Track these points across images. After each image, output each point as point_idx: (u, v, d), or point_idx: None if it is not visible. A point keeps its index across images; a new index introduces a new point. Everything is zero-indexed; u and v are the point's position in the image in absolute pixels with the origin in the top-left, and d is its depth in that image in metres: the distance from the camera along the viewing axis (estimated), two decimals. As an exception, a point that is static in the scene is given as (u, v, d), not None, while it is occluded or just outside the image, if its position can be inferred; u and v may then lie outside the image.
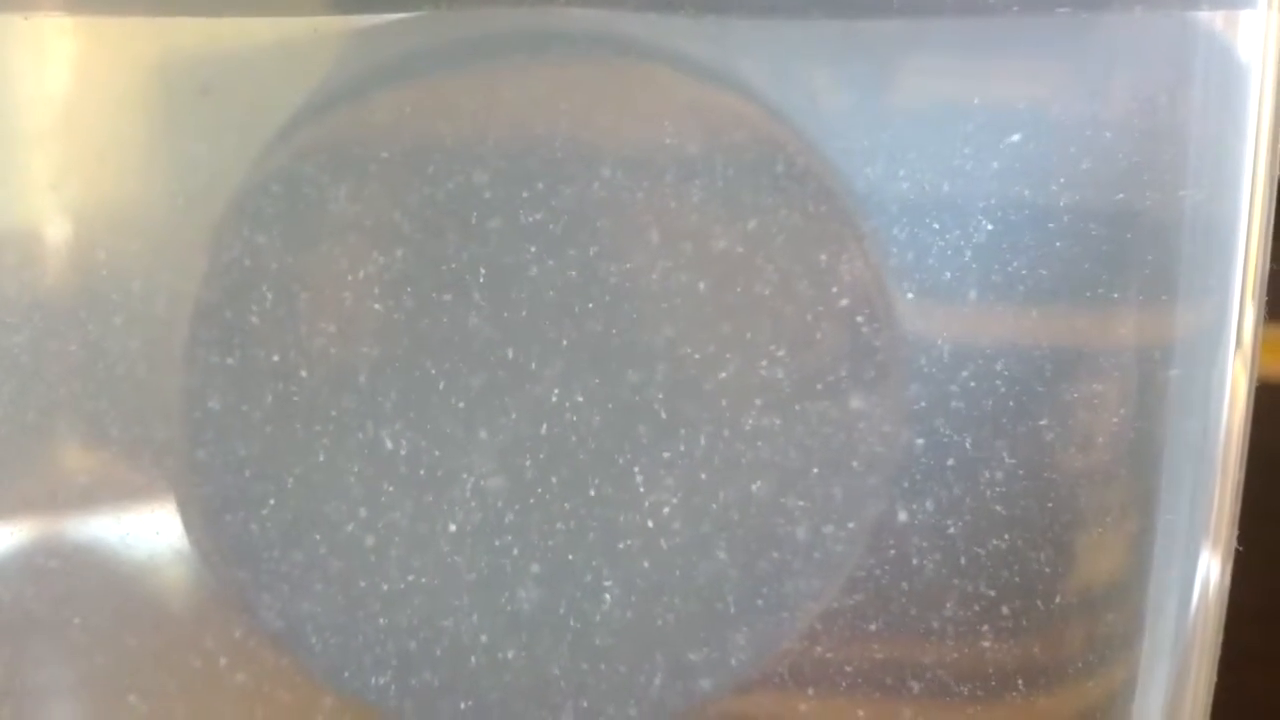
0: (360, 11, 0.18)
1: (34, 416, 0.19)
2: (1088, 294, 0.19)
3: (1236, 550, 0.22)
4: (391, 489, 0.18)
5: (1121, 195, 0.19)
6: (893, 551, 0.19)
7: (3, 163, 0.19)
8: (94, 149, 0.19)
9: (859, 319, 0.19)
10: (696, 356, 0.18)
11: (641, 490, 0.19)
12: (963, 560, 0.19)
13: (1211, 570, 0.22)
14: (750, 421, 0.18)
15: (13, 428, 0.19)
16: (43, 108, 0.19)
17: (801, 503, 0.19)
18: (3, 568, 0.20)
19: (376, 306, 0.18)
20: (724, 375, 0.18)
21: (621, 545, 0.19)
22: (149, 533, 0.19)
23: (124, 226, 0.19)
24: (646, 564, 0.19)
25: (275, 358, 0.18)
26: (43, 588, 0.19)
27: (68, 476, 0.19)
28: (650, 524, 0.19)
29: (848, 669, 0.19)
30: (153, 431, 0.19)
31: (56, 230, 0.19)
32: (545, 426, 0.18)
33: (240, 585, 0.19)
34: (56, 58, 0.19)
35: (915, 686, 0.20)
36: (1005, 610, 0.20)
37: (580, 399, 0.18)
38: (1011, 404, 0.19)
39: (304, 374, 0.18)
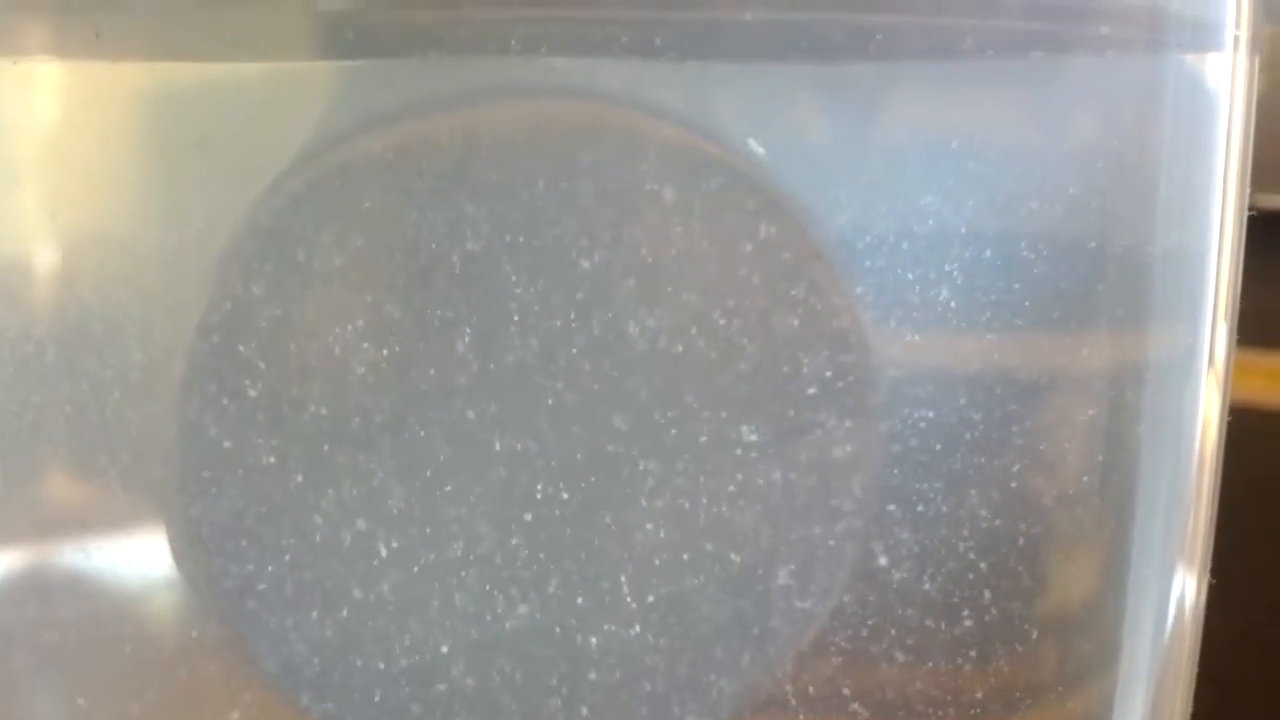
0: (347, 58, 0.18)
1: (25, 460, 0.19)
2: (1062, 324, 0.20)
3: (1212, 579, 0.22)
4: (383, 550, 0.19)
5: (1095, 226, 0.19)
6: (870, 582, 0.19)
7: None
8: (84, 194, 0.19)
9: (835, 370, 0.19)
10: (679, 409, 0.18)
11: (628, 545, 0.19)
12: (939, 588, 0.19)
13: (1187, 589, 0.22)
14: (733, 473, 0.19)
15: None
16: (32, 154, 0.19)
17: (784, 552, 0.19)
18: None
19: (365, 357, 0.18)
20: (705, 433, 0.18)
21: (608, 602, 0.19)
22: (143, 565, 0.19)
23: (116, 274, 0.19)
24: (636, 627, 0.19)
25: (268, 411, 0.18)
26: (35, 618, 0.20)
27: (60, 511, 0.19)
28: (637, 580, 0.19)
29: (827, 697, 0.20)
30: (149, 471, 0.19)
31: (47, 278, 0.19)
32: (532, 481, 0.18)
33: (239, 635, 0.19)
34: (46, 103, 0.19)
35: (896, 714, 0.20)
36: (983, 635, 0.20)
37: (566, 453, 0.18)
38: (988, 433, 0.19)
39: (296, 426, 0.18)
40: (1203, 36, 0.20)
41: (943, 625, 0.19)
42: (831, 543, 0.19)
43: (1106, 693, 0.21)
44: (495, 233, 0.18)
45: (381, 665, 0.19)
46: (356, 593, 0.18)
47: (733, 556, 0.19)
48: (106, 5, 0.18)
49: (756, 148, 0.18)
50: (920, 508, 0.19)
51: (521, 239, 0.18)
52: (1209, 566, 0.22)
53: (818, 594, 0.19)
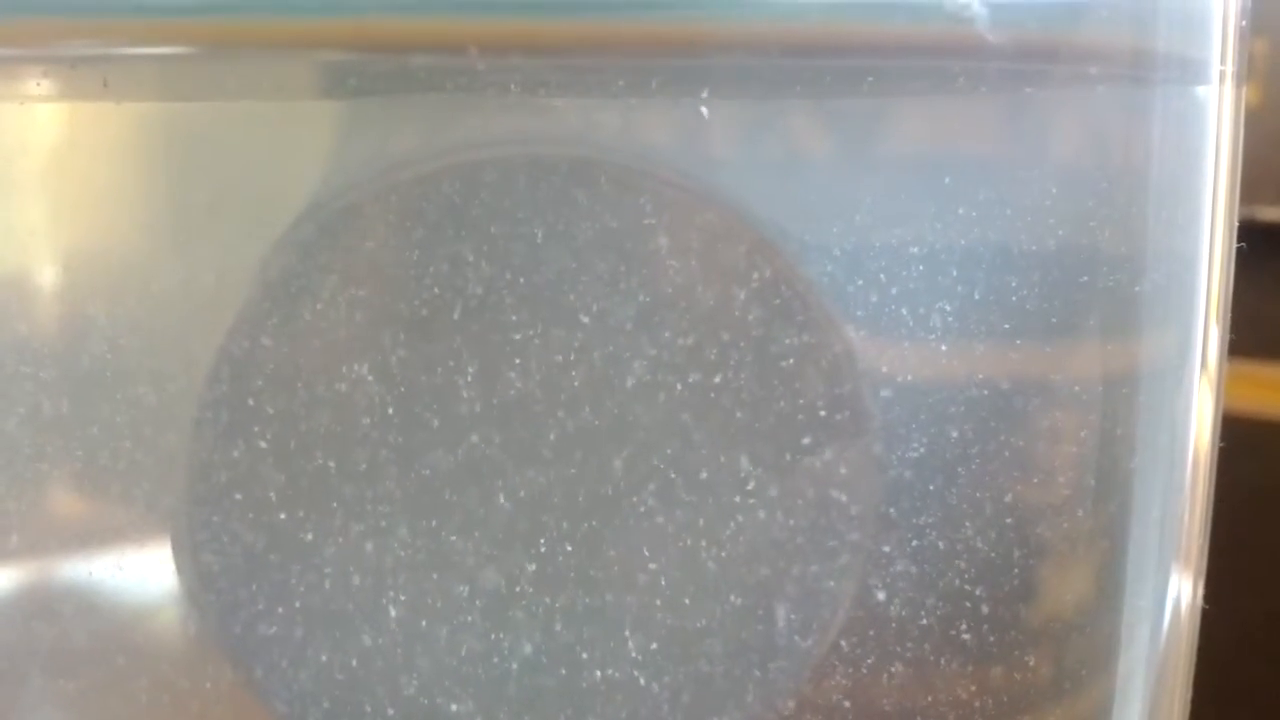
0: (347, 97, 0.19)
1: (39, 500, 0.19)
2: (1056, 354, 0.20)
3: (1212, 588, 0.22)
4: (391, 591, 0.19)
5: (1086, 261, 0.20)
6: (869, 612, 0.19)
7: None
8: (95, 243, 0.19)
9: (831, 406, 0.19)
10: (677, 449, 0.19)
11: (631, 585, 0.19)
12: (938, 615, 0.20)
13: (1183, 595, 0.22)
14: (733, 511, 0.19)
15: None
16: (42, 203, 0.19)
17: (785, 590, 0.19)
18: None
19: (371, 401, 0.18)
20: (704, 472, 0.19)
21: (610, 634, 0.19)
22: (156, 605, 0.20)
23: (129, 322, 0.19)
24: (640, 666, 0.19)
25: (278, 456, 0.19)
26: (37, 634, 0.20)
27: (71, 548, 0.20)
28: (640, 619, 0.19)
29: (820, 702, 0.20)
30: (162, 514, 0.19)
31: (59, 326, 0.19)
32: (536, 520, 0.19)
33: (249, 676, 0.19)
34: (55, 148, 0.19)
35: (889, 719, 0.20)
36: (982, 654, 0.20)
37: (569, 492, 0.19)
38: (985, 464, 0.19)
39: (305, 471, 0.18)
40: (1190, 72, 0.20)
41: (942, 651, 0.20)
42: (832, 578, 0.19)
43: (1104, 699, 0.21)
44: (496, 274, 0.18)
45: (390, 710, 0.19)
46: (365, 634, 0.19)
47: (733, 596, 0.19)
48: (116, 59, 0.18)
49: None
50: (918, 540, 0.19)
51: (521, 280, 0.18)
52: (1204, 571, 0.22)
53: (820, 629, 0.19)
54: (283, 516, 0.19)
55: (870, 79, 0.18)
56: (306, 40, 0.18)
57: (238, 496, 0.19)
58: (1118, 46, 0.19)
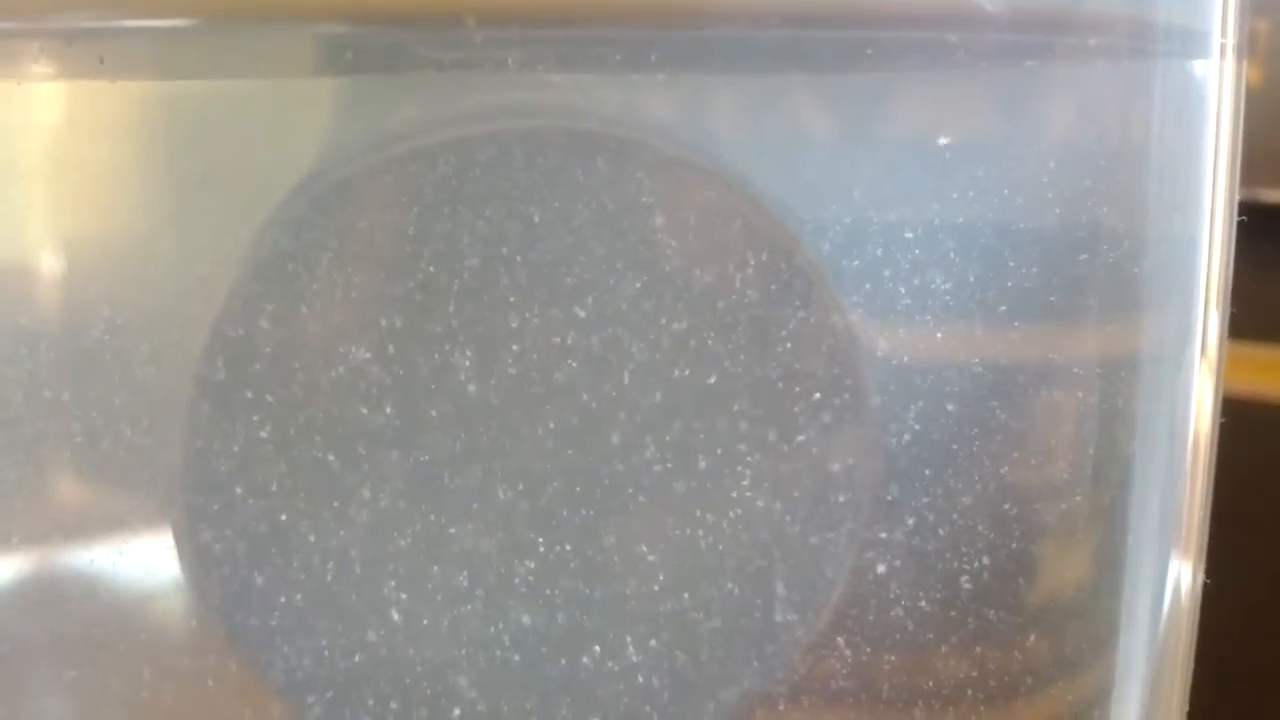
0: (345, 74, 0.19)
1: (41, 483, 0.19)
2: (1056, 332, 0.20)
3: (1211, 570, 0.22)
4: (392, 579, 0.19)
5: (1086, 234, 0.20)
6: (868, 590, 0.19)
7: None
8: (91, 225, 0.19)
9: (830, 388, 0.19)
10: (678, 428, 0.19)
11: (630, 568, 0.19)
12: (938, 592, 0.20)
13: (1183, 577, 0.22)
14: (731, 494, 0.19)
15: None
16: (38, 179, 0.19)
17: (782, 571, 0.19)
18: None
19: (368, 382, 0.18)
20: (704, 451, 0.19)
21: (609, 617, 0.19)
22: (162, 589, 0.20)
23: (126, 306, 0.19)
24: (640, 650, 0.19)
25: (275, 441, 0.18)
26: (37, 621, 0.20)
27: (74, 535, 0.19)
28: (639, 602, 0.19)
29: (825, 693, 0.20)
30: (163, 496, 0.19)
31: (57, 311, 0.19)
32: (535, 503, 0.19)
33: (252, 663, 0.19)
34: (52, 128, 0.19)
35: (888, 701, 0.20)
36: (983, 634, 0.20)
37: (565, 468, 0.19)
38: (985, 445, 0.19)
39: (303, 455, 0.18)
40: (1190, 44, 0.20)
41: (942, 632, 0.20)
42: (831, 560, 0.19)
43: (1105, 679, 0.21)
44: (492, 251, 0.18)
45: (394, 705, 0.19)
46: (368, 623, 0.19)
47: (732, 577, 0.19)
48: (112, 34, 0.18)
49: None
50: (916, 519, 0.19)
51: (518, 258, 0.18)
52: (1205, 554, 0.22)
53: (817, 611, 0.19)
54: (281, 501, 0.18)
55: (870, 52, 0.18)
56: (303, 12, 0.18)
57: (237, 481, 0.18)
58: (1117, 17, 0.19)
